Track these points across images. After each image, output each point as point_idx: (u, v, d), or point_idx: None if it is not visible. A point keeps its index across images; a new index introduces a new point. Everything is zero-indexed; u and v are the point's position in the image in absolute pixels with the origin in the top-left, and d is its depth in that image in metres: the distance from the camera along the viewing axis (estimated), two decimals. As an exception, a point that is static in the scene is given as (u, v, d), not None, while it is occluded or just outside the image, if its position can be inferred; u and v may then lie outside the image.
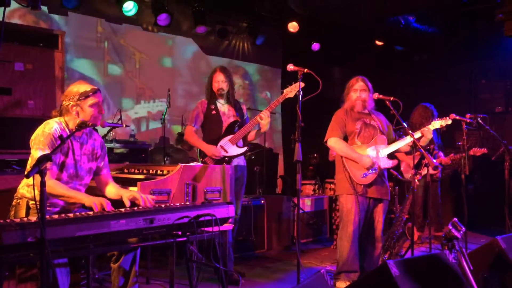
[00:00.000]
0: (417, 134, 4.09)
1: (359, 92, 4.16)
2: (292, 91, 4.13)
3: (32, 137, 2.91)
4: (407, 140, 4.08)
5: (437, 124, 4.22)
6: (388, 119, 4.34)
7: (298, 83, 3.79)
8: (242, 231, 5.30)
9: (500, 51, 7.80)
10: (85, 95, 2.96)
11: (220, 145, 4.33)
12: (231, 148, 4.34)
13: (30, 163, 2.91)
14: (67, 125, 2.99)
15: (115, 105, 6.56)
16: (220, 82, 4.44)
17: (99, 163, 3.18)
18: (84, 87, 3.00)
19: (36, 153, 2.81)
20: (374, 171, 4.00)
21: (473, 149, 5.84)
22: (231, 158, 4.34)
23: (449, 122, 4.27)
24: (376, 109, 4.32)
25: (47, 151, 2.78)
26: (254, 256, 5.44)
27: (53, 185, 2.76)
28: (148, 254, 4.18)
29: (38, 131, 2.90)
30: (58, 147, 2.44)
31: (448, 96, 7.92)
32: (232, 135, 4.37)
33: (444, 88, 8.24)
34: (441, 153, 5.94)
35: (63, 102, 3.01)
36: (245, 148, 4.44)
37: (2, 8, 2.28)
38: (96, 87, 3.04)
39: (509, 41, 7.12)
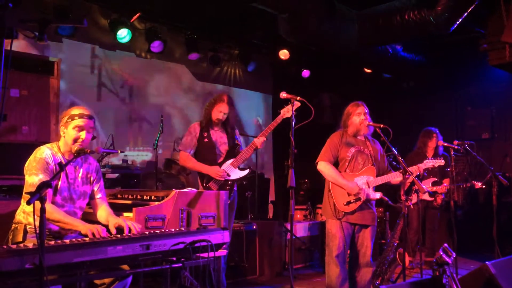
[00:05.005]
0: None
1: (363, 115, 4.18)
2: (289, 111, 4.18)
3: (26, 164, 2.95)
4: (397, 174, 4.12)
5: (429, 164, 4.29)
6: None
7: (292, 105, 3.90)
8: (234, 257, 5.29)
9: (485, 79, 8.02)
10: (72, 118, 2.99)
11: (223, 169, 4.34)
12: (233, 171, 4.36)
13: (25, 189, 2.92)
14: (59, 149, 3.02)
15: (108, 131, 6.58)
16: (223, 113, 4.46)
17: (94, 186, 3.20)
18: (76, 110, 3.03)
19: (30, 179, 2.85)
20: (358, 200, 4.02)
21: (472, 182, 6.01)
22: (234, 181, 4.36)
23: (442, 163, 4.34)
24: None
25: (41, 176, 2.82)
26: (246, 282, 5.42)
27: (51, 211, 2.78)
28: (140, 280, 4.15)
29: (31, 157, 2.95)
30: (57, 173, 2.48)
31: (435, 122, 8.04)
32: (234, 159, 4.38)
33: (432, 114, 8.40)
34: (444, 182, 6.03)
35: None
36: (247, 171, 4.45)
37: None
38: (87, 113, 3.04)
39: (494, 69, 7.33)
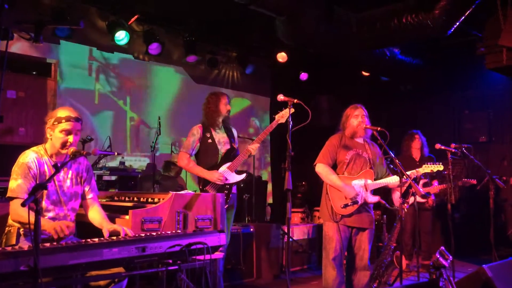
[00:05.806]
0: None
1: (360, 118, 4.18)
2: (283, 117, 4.18)
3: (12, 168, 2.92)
4: (395, 178, 4.11)
5: (427, 169, 4.28)
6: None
7: (288, 109, 3.88)
8: (231, 260, 5.28)
9: (482, 83, 8.04)
10: (58, 120, 2.90)
11: (222, 174, 4.30)
12: (230, 175, 4.32)
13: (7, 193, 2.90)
14: (46, 151, 2.96)
15: (105, 133, 6.57)
16: (228, 104, 4.47)
17: (85, 186, 3.15)
18: (62, 112, 2.94)
19: (10, 184, 2.83)
20: (355, 203, 4.01)
21: (463, 180, 6.01)
22: (232, 185, 4.34)
23: (441, 168, 4.34)
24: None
25: (19, 181, 2.81)
26: (243, 285, 5.41)
27: (23, 213, 2.72)
28: (136, 283, 4.13)
29: (17, 162, 2.91)
30: (53, 175, 2.45)
31: (432, 125, 8.09)
32: (230, 163, 4.33)
33: (429, 117, 8.42)
34: (435, 183, 6.04)
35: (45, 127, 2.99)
36: (244, 175, 4.40)
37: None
38: (73, 115, 2.94)
39: (491, 73, 7.34)
